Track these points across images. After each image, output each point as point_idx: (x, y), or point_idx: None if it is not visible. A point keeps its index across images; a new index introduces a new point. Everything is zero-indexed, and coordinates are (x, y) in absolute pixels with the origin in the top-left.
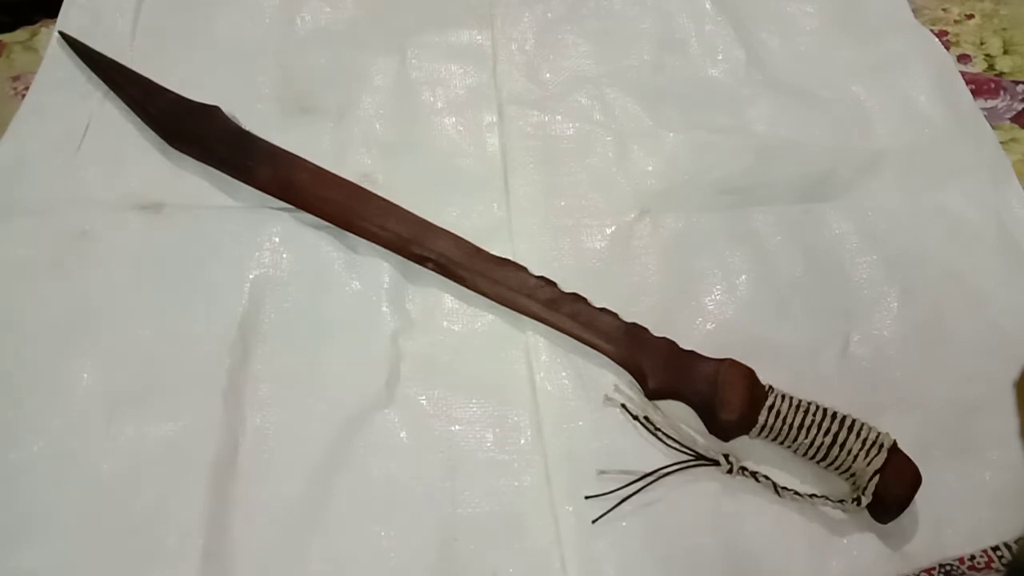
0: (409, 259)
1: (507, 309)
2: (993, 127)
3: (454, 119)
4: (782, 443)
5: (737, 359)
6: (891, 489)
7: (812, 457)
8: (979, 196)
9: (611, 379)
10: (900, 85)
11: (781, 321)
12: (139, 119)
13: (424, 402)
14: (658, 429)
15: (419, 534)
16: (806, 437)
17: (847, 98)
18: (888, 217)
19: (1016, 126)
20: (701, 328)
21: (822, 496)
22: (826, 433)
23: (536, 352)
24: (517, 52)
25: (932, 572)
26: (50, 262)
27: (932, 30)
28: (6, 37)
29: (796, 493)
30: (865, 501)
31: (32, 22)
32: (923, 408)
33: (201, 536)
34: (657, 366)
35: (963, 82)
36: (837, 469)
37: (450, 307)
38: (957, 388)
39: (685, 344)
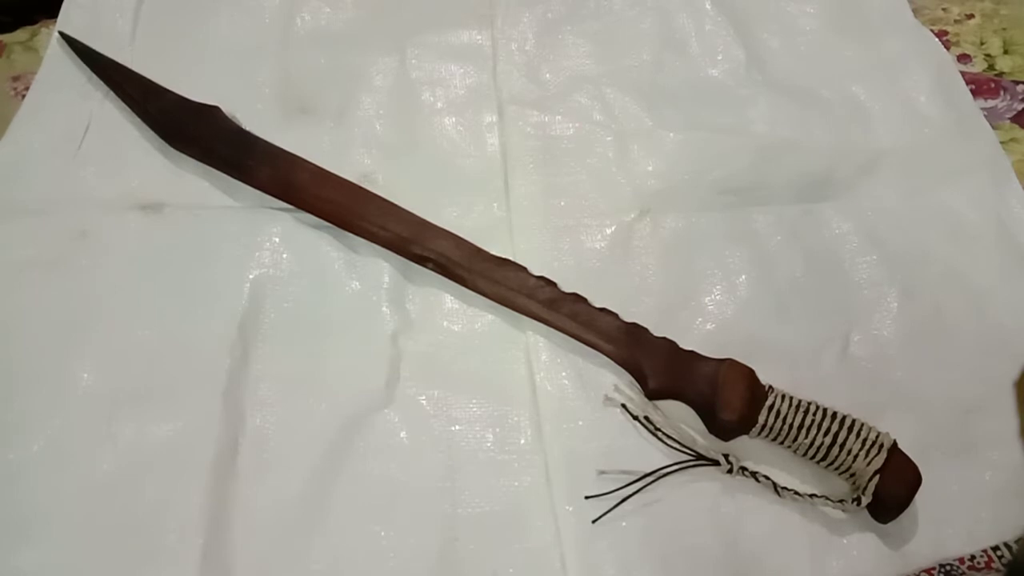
0: (409, 259)
1: (507, 309)
2: (993, 127)
3: (454, 119)
4: (782, 443)
5: (737, 359)
6: (891, 489)
7: (812, 457)
8: (979, 196)
9: (611, 379)
10: (900, 85)
11: (781, 321)
12: (139, 119)
13: (424, 402)
14: (658, 429)
15: (419, 534)
16: (806, 437)
17: (847, 98)
18: (888, 217)
19: (1016, 126)
20: (701, 328)
21: (822, 496)
22: (826, 433)
23: (536, 352)
24: (517, 52)
25: (932, 572)
26: (50, 262)
27: (932, 30)
28: (6, 37)
29: (796, 493)
30: (865, 501)
31: (32, 22)
32: (923, 408)
33: (201, 536)
34: (657, 366)
35: (963, 82)
36: (837, 469)
37: (450, 307)
38: (957, 388)
39: (685, 344)
